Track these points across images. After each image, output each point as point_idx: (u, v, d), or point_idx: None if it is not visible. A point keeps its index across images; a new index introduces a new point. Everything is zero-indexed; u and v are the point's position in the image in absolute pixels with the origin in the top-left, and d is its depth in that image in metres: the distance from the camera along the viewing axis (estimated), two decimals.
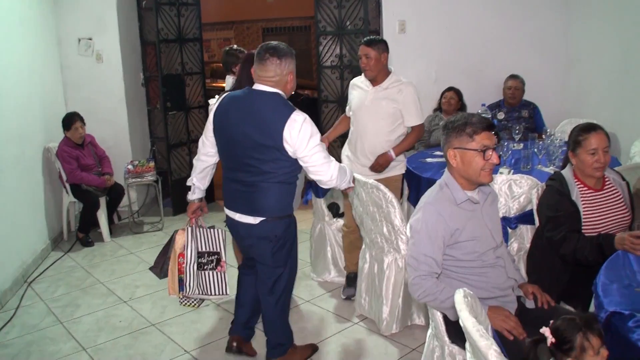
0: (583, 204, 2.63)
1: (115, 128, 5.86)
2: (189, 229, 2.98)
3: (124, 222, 5.85)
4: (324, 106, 6.02)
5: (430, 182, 3.62)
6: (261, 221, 2.70)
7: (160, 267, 3.12)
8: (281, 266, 2.83)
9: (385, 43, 3.60)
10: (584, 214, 2.61)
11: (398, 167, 3.77)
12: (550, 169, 3.73)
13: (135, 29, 6.11)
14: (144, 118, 6.35)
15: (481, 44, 5.69)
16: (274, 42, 2.64)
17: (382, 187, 3.00)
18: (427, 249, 2.22)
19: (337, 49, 5.83)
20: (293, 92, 2.77)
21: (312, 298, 3.98)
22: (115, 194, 5.55)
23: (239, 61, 3.65)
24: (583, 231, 2.60)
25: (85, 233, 5.34)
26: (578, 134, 2.66)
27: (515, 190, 3.12)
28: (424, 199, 2.35)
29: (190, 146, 6.28)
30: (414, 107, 3.61)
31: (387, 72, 3.63)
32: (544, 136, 4.19)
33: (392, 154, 3.61)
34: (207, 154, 2.88)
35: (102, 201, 5.34)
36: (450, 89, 5.32)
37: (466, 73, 5.69)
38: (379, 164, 3.63)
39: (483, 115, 3.95)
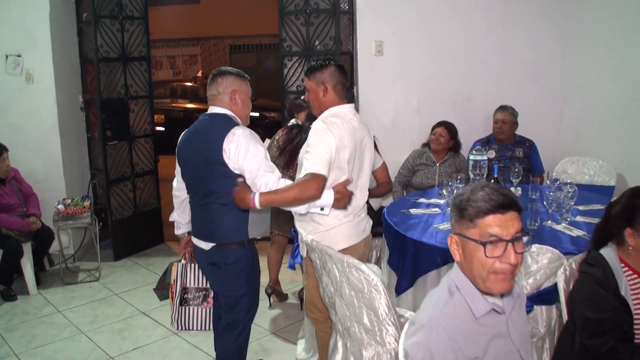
0: (634, 300, 1.93)
1: (47, 159, 5.09)
2: (179, 265, 3.16)
3: (56, 269, 5.01)
4: None
5: (418, 245, 2.91)
6: (212, 247, 2.69)
7: (161, 290, 3.43)
8: (234, 296, 2.77)
9: (329, 70, 2.69)
10: (635, 313, 1.91)
11: (328, 236, 2.68)
12: (563, 227, 3.05)
13: (74, 45, 5.35)
14: (83, 147, 5.52)
15: (469, 70, 5.04)
16: (224, 67, 2.78)
17: (364, 267, 2.23)
18: None
19: (303, 72, 5.05)
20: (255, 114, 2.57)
21: None
22: (42, 239, 4.76)
23: (303, 109, 4.05)
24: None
25: (6, 285, 4.52)
26: None
27: (531, 265, 2.42)
28: (428, 309, 1.59)
29: (135, 181, 5.45)
30: (308, 150, 2.54)
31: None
32: (548, 181, 3.54)
33: (255, 200, 2.40)
34: (178, 189, 2.94)
35: (27, 247, 4.56)
36: (441, 123, 4.50)
37: (452, 102, 5.06)
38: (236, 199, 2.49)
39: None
